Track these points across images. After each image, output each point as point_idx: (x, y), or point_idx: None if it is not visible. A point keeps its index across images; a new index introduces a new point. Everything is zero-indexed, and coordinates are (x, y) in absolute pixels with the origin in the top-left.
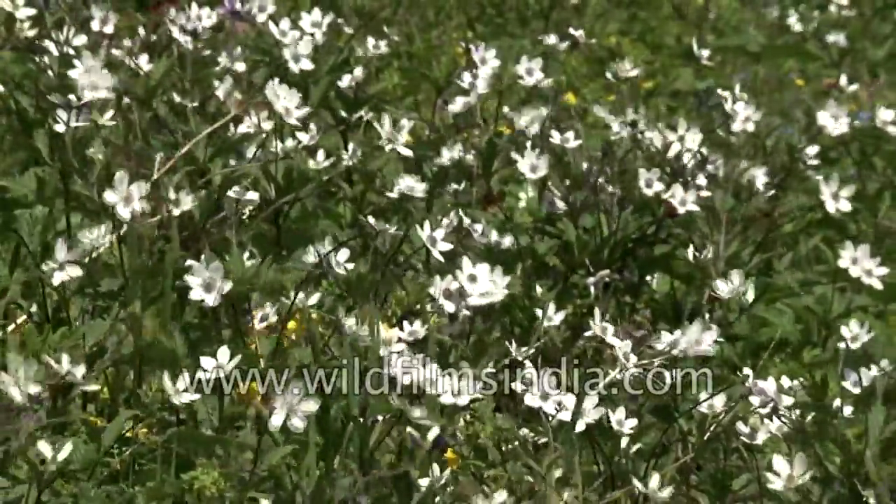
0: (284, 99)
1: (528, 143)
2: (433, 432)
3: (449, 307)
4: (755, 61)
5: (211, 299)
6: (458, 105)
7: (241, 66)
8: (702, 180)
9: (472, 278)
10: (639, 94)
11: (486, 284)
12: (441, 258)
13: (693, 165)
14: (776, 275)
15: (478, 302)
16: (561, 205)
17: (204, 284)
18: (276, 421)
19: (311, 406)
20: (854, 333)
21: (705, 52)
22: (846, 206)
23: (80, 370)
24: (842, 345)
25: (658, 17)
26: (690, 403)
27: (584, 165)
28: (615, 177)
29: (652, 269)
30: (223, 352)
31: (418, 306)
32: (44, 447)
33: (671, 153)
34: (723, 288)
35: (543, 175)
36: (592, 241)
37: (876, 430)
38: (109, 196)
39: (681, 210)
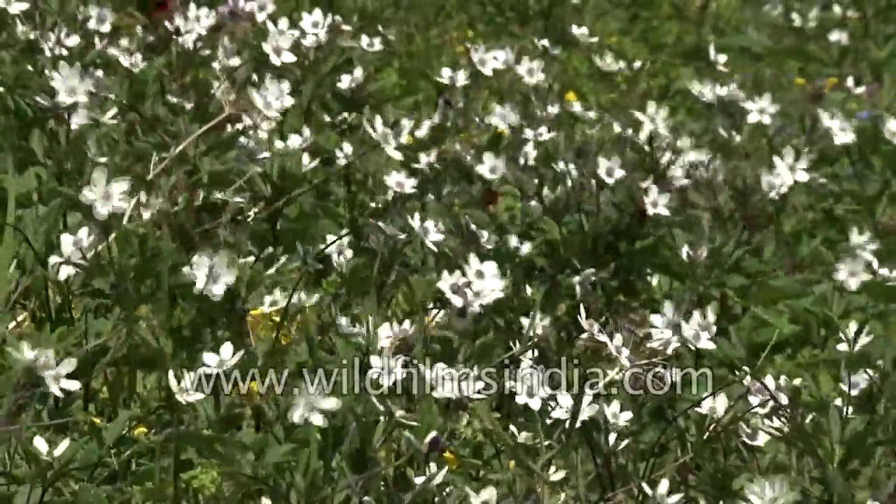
0: (266, 91)
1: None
2: (430, 434)
3: (457, 302)
4: (756, 61)
5: (218, 290)
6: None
7: (238, 66)
8: (678, 174)
9: (480, 274)
10: (650, 96)
11: (494, 282)
12: (434, 248)
13: (668, 159)
14: (773, 276)
15: (485, 301)
16: (536, 204)
17: (208, 276)
18: (296, 417)
19: (332, 404)
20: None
21: (722, 58)
22: (803, 177)
23: (69, 369)
24: (841, 346)
25: (658, 16)
26: (690, 403)
27: (562, 164)
28: (592, 172)
29: (637, 264)
30: (226, 348)
31: (425, 303)
32: (40, 443)
33: (642, 136)
34: (658, 321)
35: (502, 175)
36: (575, 240)
37: (836, 433)
38: (87, 194)
39: (651, 212)
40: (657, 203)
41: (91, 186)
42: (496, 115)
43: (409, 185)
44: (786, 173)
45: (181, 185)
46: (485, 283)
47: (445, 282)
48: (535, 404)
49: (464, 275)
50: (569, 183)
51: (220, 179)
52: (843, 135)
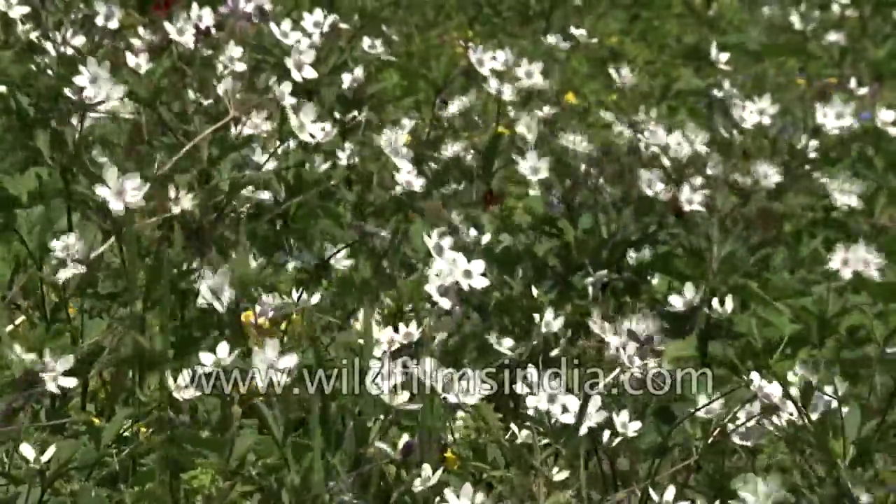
0: (304, 115)
1: (531, 146)
2: (403, 439)
3: (444, 304)
4: (756, 60)
5: (220, 306)
6: (454, 107)
7: (241, 66)
8: (700, 181)
9: (468, 274)
10: (652, 96)
11: (482, 280)
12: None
13: (696, 167)
14: (775, 275)
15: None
16: (559, 206)
17: (212, 290)
18: (259, 382)
19: (292, 360)
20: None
21: (723, 56)
22: (854, 201)
23: (66, 367)
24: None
25: (659, 16)
26: (690, 404)
27: (583, 166)
28: (615, 177)
29: (652, 270)
30: (222, 347)
31: (410, 305)
32: (26, 450)
33: (679, 155)
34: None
35: (545, 177)
36: (592, 242)
37: (852, 432)
38: (101, 190)
39: (687, 208)
40: (692, 201)
41: (104, 183)
42: (522, 125)
43: (418, 184)
44: (837, 195)
45: (196, 188)
46: (474, 282)
47: (432, 283)
48: (557, 410)
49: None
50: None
51: (241, 187)
52: (842, 120)
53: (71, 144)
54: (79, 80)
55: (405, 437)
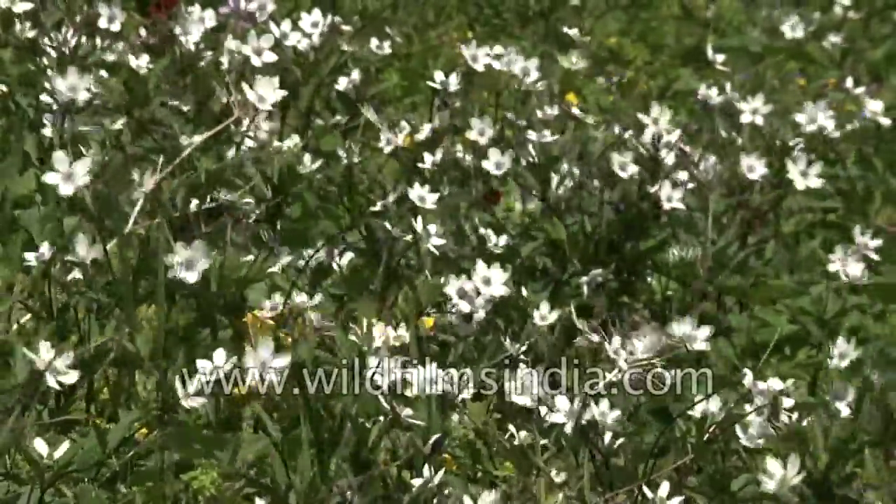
0: (259, 87)
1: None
2: (434, 436)
3: (464, 307)
4: (755, 62)
5: (192, 277)
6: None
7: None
8: (682, 175)
9: (487, 280)
10: (650, 96)
11: (501, 288)
12: (435, 251)
13: (675, 159)
14: (772, 276)
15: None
16: (538, 204)
17: (185, 263)
18: (248, 378)
19: (284, 361)
20: (842, 350)
21: (720, 57)
22: (815, 183)
23: (67, 363)
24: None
25: (658, 17)
26: (690, 404)
27: (565, 164)
28: (595, 173)
29: (640, 265)
30: (219, 354)
31: (431, 307)
32: (40, 445)
33: (647, 137)
34: (676, 330)
35: (507, 170)
36: (580, 240)
37: (820, 440)
38: (50, 177)
39: (667, 206)
40: (672, 198)
41: (53, 167)
42: (475, 130)
43: (431, 200)
44: (798, 179)
45: (181, 185)
46: (492, 290)
47: (452, 286)
48: (543, 410)
49: (470, 279)
50: (569, 183)
51: (218, 178)
52: (827, 120)
53: (58, 146)
54: (58, 84)
55: (437, 434)
